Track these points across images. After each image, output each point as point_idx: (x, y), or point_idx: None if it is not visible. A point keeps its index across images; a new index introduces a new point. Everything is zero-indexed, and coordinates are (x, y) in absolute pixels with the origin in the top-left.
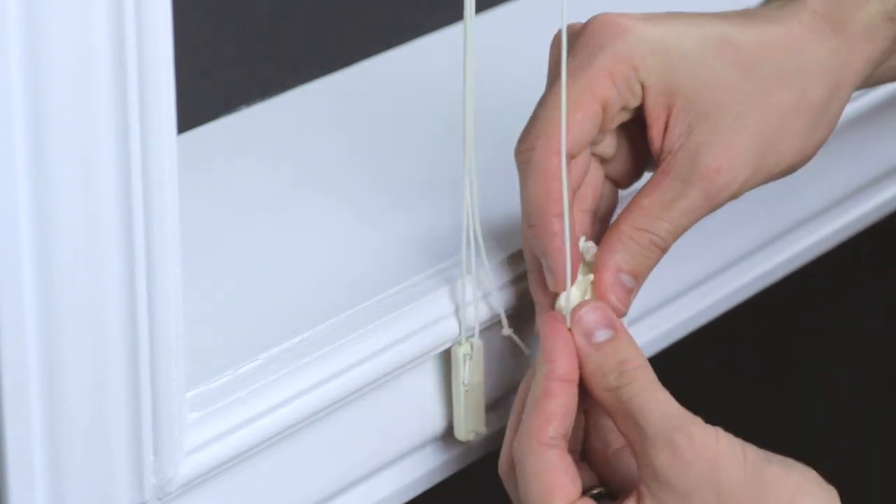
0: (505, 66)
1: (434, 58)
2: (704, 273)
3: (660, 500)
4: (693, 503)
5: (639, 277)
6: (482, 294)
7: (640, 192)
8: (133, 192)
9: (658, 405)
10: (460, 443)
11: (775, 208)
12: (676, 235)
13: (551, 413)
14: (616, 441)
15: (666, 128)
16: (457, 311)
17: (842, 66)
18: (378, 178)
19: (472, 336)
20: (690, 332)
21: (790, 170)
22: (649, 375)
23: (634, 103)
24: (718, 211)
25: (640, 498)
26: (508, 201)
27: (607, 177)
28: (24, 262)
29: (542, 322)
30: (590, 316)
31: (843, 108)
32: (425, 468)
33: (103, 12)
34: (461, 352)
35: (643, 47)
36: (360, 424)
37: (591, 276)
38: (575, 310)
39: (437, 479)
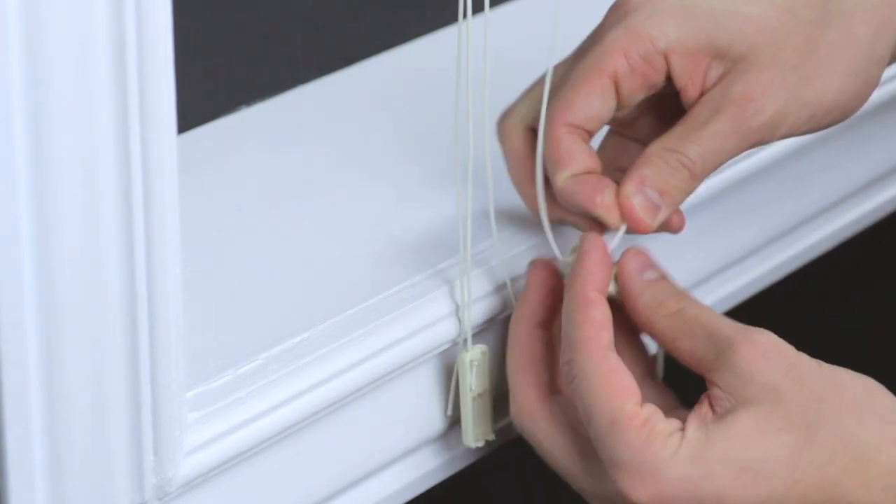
0: (503, 66)
1: (434, 58)
2: (704, 273)
3: (740, 398)
4: (778, 393)
5: (666, 196)
6: (485, 293)
7: (674, 124)
8: (133, 192)
9: (723, 317)
10: (460, 443)
11: (776, 208)
12: (707, 161)
13: (601, 321)
14: (646, 361)
15: (702, 84)
16: (457, 312)
17: (886, 4)
18: (378, 177)
19: (479, 343)
20: None
21: (839, 111)
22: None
23: (657, 77)
24: (718, 211)
25: (713, 403)
26: (510, 200)
27: (635, 139)
28: (24, 262)
29: (584, 238)
30: (640, 257)
31: (890, 49)
32: (425, 468)
33: (103, 12)
34: (468, 359)
35: (659, 16)
36: (360, 424)
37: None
38: (626, 253)
39: (437, 479)
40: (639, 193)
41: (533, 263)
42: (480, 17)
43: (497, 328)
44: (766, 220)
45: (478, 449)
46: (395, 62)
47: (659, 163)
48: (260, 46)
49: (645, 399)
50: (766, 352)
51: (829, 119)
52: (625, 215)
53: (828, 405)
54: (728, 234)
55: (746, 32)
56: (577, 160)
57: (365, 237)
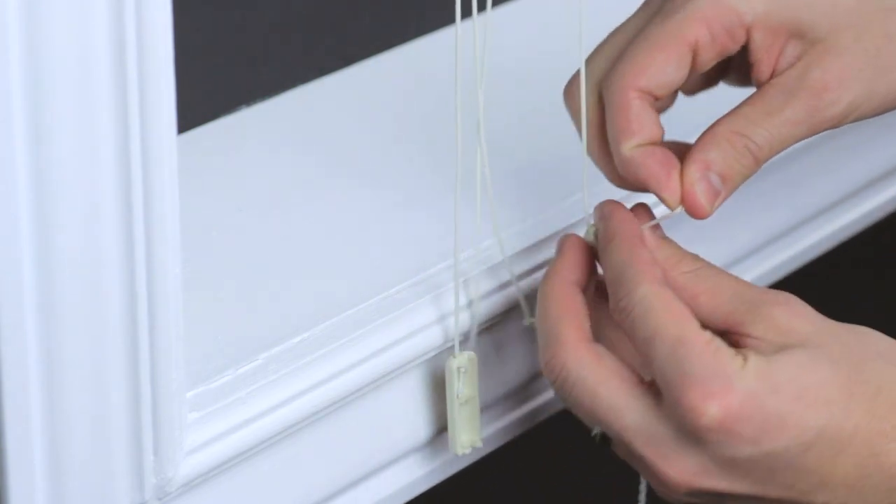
0: (500, 69)
1: (434, 58)
2: None
3: (782, 344)
4: (820, 338)
5: (728, 182)
6: (476, 298)
7: (743, 102)
8: (133, 192)
9: (743, 280)
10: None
11: (775, 208)
12: (773, 148)
13: (650, 260)
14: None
15: (776, 62)
16: (441, 320)
17: None
18: (379, 177)
19: (466, 349)
20: None
21: None
22: None
23: (734, 48)
24: (718, 211)
25: (756, 346)
26: (511, 202)
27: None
28: (24, 262)
29: (604, 204)
30: (648, 216)
31: None
32: (425, 468)
33: (103, 12)
34: (455, 365)
35: None
36: (361, 424)
37: None
38: (638, 206)
39: (437, 480)
40: (703, 180)
41: (565, 237)
42: (480, 18)
43: (486, 335)
44: (765, 221)
45: (476, 451)
46: (395, 62)
47: (725, 147)
48: (260, 46)
49: None
50: (799, 310)
51: (892, 107)
52: (685, 200)
53: (865, 351)
54: (728, 234)
55: (831, 15)
56: (646, 129)
57: (365, 237)
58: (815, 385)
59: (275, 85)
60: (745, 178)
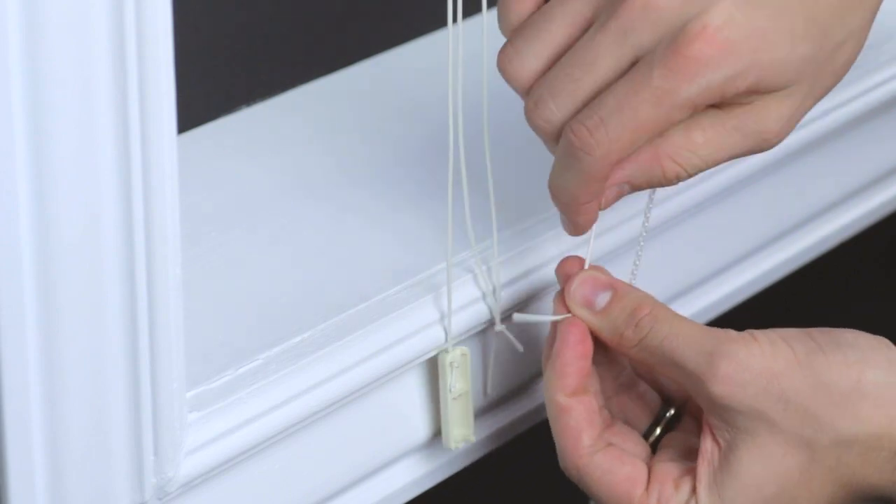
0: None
1: (433, 58)
2: (705, 273)
3: (733, 426)
4: (766, 418)
5: (635, 190)
6: (475, 298)
7: (694, 121)
8: (133, 192)
9: (688, 341)
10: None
11: (775, 208)
12: (700, 173)
13: (576, 427)
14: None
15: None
16: (441, 319)
17: None
18: (379, 177)
19: (459, 344)
20: None
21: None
22: (666, 313)
23: None
24: (718, 211)
25: (712, 429)
26: (507, 202)
27: None
28: (24, 263)
29: (560, 329)
30: (581, 289)
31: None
32: (425, 468)
33: (103, 12)
34: (447, 360)
35: None
36: (361, 424)
37: None
38: (565, 289)
39: (437, 479)
40: (612, 192)
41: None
42: (479, 19)
43: (482, 335)
44: (765, 221)
45: (473, 452)
46: (395, 62)
47: (656, 169)
48: (260, 46)
49: (623, 413)
50: (738, 380)
51: None
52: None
53: (818, 417)
54: (728, 234)
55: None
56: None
57: (365, 237)
58: (775, 494)
59: (275, 85)
60: None
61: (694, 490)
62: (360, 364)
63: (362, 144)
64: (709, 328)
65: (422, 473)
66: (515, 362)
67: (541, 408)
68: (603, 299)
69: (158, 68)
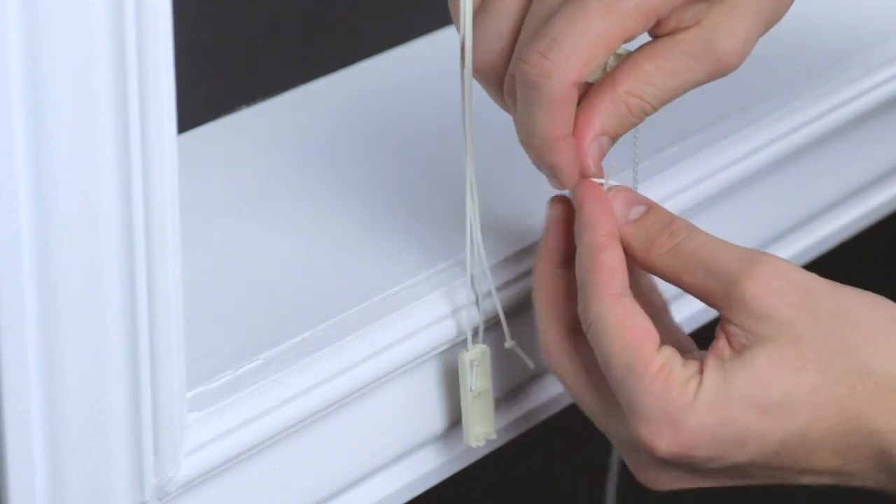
0: None
1: (433, 58)
2: None
3: (755, 333)
4: (794, 329)
5: (615, 139)
6: (484, 295)
7: (641, 53)
8: (133, 192)
9: (725, 247)
10: (460, 443)
11: (775, 208)
12: (663, 104)
13: (612, 267)
14: (658, 300)
15: (678, 18)
16: (454, 314)
17: None
18: (379, 177)
19: (479, 342)
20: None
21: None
22: (699, 229)
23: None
24: (718, 212)
25: (729, 336)
26: (508, 201)
27: None
28: (24, 263)
29: (577, 187)
30: (619, 198)
31: None
32: (425, 468)
33: (103, 12)
34: (468, 358)
35: None
36: (361, 424)
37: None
38: (588, 205)
39: (437, 479)
40: (594, 146)
41: (552, 201)
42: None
43: (498, 329)
44: (765, 221)
45: (479, 448)
46: (395, 62)
47: (622, 109)
48: (260, 46)
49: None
50: (774, 285)
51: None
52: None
53: (844, 339)
54: (727, 234)
55: None
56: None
57: (366, 237)
58: (777, 400)
59: (275, 85)
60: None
61: (701, 369)
62: (360, 364)
63: (362, 144)
64: (742, 247)
65: (422, 474)
66: (536, 352)
67: (556, 399)
68: (637, 212)
69: (158, 68)
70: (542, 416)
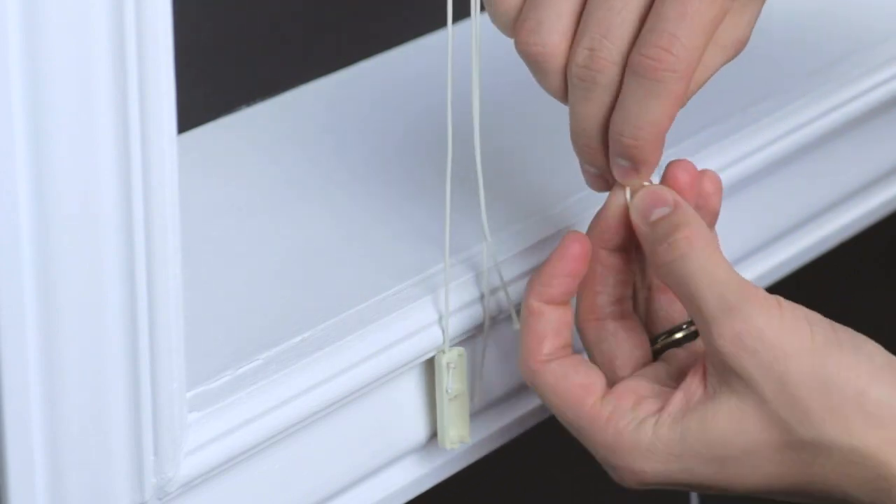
0: (496, 74)
1: (434, 58)
2: None
3: (725, 383)
4: (759, 391)
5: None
6: (480, 296)
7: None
8: (133, 192)
9: (712, 284)
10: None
11: (775, 208)
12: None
13: (540, 332)
14: (635, 322)
15: None
16: (440, 320)
17: None
18: (379, 177)
19: (456, 345)
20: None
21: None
22: (704, 246)
23: None
24: (720, 211)
25: (705, 372)
26: (507, 197)
27: None
28: (24, 263)
29: (563, 239)
30: (648, 196)
31: None
32: (426, 468)
33: (103, 12)
34: (444, 360)
35: None
36: (361, 424)
37: None
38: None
39: (438, 479)
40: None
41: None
42: (479, 19)
43: (478, 337)
44: (764, 221)
45: (474, 446)
46: (395, 62)
47: None
48: (260, 46)
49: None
50: (747, 344)
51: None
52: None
53: (810, 410)
54: (727, 234)
55: None
56: None
57: (366, 236)
58: (736, 457)
59: (275, 85)
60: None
61: (657, 411)
62: (360, 364)
63: (362, 144)
64: (741, 279)
65: (421, 474)
66: (510, 364)
67: (542, 408)
68: (658, 213)
69: (158, 68)
70: (543, 417)
